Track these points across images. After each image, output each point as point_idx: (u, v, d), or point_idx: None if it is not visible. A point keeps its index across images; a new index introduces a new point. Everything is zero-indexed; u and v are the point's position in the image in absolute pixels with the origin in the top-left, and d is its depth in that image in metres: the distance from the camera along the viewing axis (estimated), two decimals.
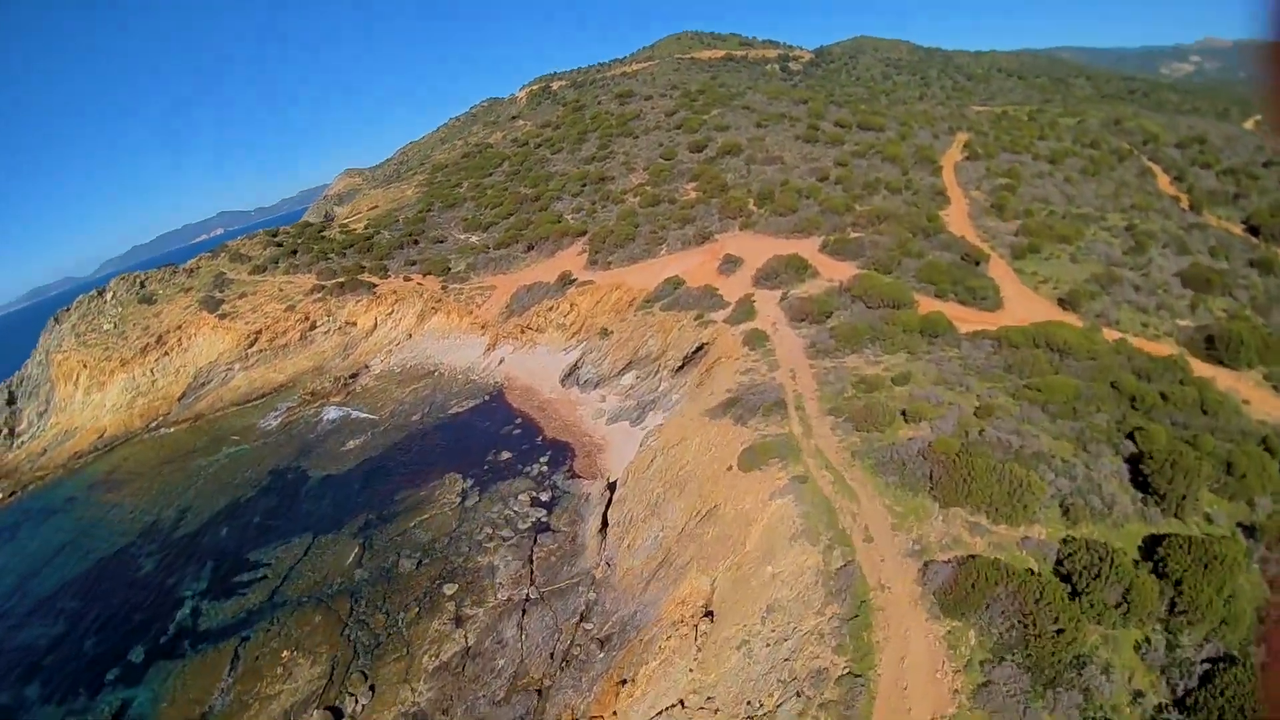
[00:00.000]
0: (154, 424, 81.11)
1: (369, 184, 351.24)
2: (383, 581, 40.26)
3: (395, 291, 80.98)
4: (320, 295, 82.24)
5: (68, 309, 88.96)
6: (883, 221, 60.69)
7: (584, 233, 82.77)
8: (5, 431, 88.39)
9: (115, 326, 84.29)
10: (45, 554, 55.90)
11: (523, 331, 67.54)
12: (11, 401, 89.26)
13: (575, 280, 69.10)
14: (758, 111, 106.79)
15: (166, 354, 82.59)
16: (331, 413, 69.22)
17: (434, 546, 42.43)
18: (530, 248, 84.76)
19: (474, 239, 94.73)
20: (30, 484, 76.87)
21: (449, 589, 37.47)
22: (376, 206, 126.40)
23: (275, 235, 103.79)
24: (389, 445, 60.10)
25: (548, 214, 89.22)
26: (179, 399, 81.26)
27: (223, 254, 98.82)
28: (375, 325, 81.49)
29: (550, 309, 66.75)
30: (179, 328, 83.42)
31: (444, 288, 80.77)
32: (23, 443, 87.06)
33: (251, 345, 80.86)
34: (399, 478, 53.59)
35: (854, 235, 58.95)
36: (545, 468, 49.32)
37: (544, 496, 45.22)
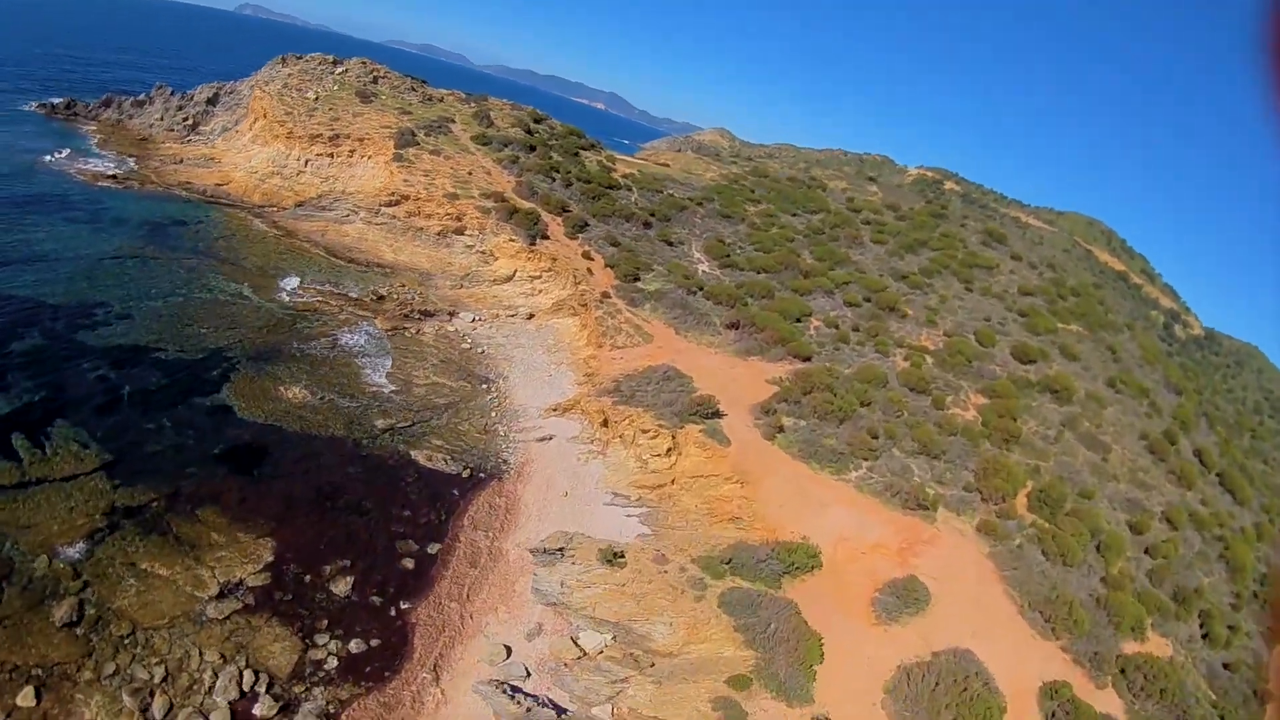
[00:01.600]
0: (264, 208, 69.05)
1: (730, 155, 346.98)
2: None
3: (555, 260, 60.82)
4: (493, 204, 64.43)
5: (299, 57, 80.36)
6: None
7: (807, 358, 56.69)
8: (190, 123, 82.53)
9: (315, 100, 73.53)
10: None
11: (604, 425, 44.13)
12: (212, 102, 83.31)
13: (721, 413, 44.08)
14: (1118, 364, 71.07)
15: (329, 156, 70.23)
16: (352, 337, 51.26)
17: None
18: (736, 326, 60.27)
19: (701, 266, 72.00)
20: (145, 183, 69.39)
21: None
22: (667, 165, 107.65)
23: (539, 122, 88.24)
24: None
25: (792, 304, 63.75)
26: (298, 204, 68.44)
27: (478, 105, 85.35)
28: (512, 277, 62.30)
29: (659, 439, 42.47)
30: (360, 141, 70.55)
31: (606, 295, 59.20)
32: (189, 141, 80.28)
33: (391, 204, 65.46)
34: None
35: None
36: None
37: None
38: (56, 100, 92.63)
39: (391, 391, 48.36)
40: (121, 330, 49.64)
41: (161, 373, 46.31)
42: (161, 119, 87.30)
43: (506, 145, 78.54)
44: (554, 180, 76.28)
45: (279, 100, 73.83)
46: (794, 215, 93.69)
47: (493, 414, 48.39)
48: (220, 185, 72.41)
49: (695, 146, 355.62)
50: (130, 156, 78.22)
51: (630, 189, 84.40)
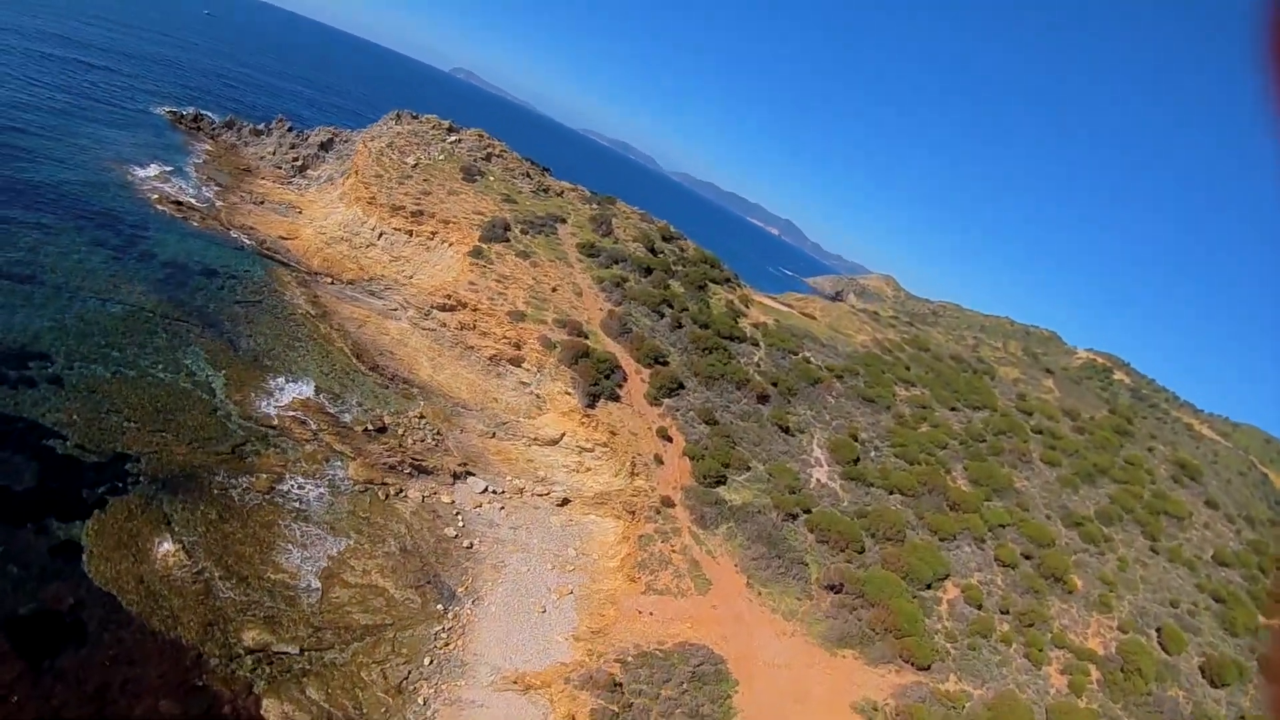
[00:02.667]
0: (317, 276, 58.17)
1: (893, 305, 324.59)
2: None
3: (614, 435, 44.74)
4: (564, 337, 49.88)
5: (414, 116, 71.34)
6: None
7: (926, 666, 37.06)
8: (299, 164, 75.18)
9: (414, 166, 63.20)
10: None
11: None
12: (326, 147, 76.03)
13: None
14: None
15: (408, 234, 58.88)
16: (302, 487, 36.80)
17: None
18: (836, 589, 41.75)
19: (817, 473, 54.21)
20: (208, 219, 60.89)
21: None
22: (813, 317, 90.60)
23: (668, 240, 74.11)
24: None
25: (927, 556, 44.24)
26: (353, 280, 56.88)
27: (600, 208, 72.62)
28: (559, 440, 46.58)
29: None
30: (445, 224, 58.88)
31: (670, 501, 42.28)
32: (289, 183, 72.47)
33: (445, 309, 52.31)
34: None
35: None
36: None
37: None
38: (187, 110, 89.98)
39: (305, 588, 32.79)
40: (36, 397, 38.16)
41: (37, 470, 34.38)
42: (273, 153, 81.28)
43: (617, 262, 64.54)
44: (661, 318, 60.99)
45: (376, 160, 64.17)
46: (953, 409, 73.43)
47: (425, 661, 31.65)
48: (284, 239, 62.71)
49: (859, 290, 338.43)
50: (218, 185, 71.18)
51: (757, 344, 67.71)
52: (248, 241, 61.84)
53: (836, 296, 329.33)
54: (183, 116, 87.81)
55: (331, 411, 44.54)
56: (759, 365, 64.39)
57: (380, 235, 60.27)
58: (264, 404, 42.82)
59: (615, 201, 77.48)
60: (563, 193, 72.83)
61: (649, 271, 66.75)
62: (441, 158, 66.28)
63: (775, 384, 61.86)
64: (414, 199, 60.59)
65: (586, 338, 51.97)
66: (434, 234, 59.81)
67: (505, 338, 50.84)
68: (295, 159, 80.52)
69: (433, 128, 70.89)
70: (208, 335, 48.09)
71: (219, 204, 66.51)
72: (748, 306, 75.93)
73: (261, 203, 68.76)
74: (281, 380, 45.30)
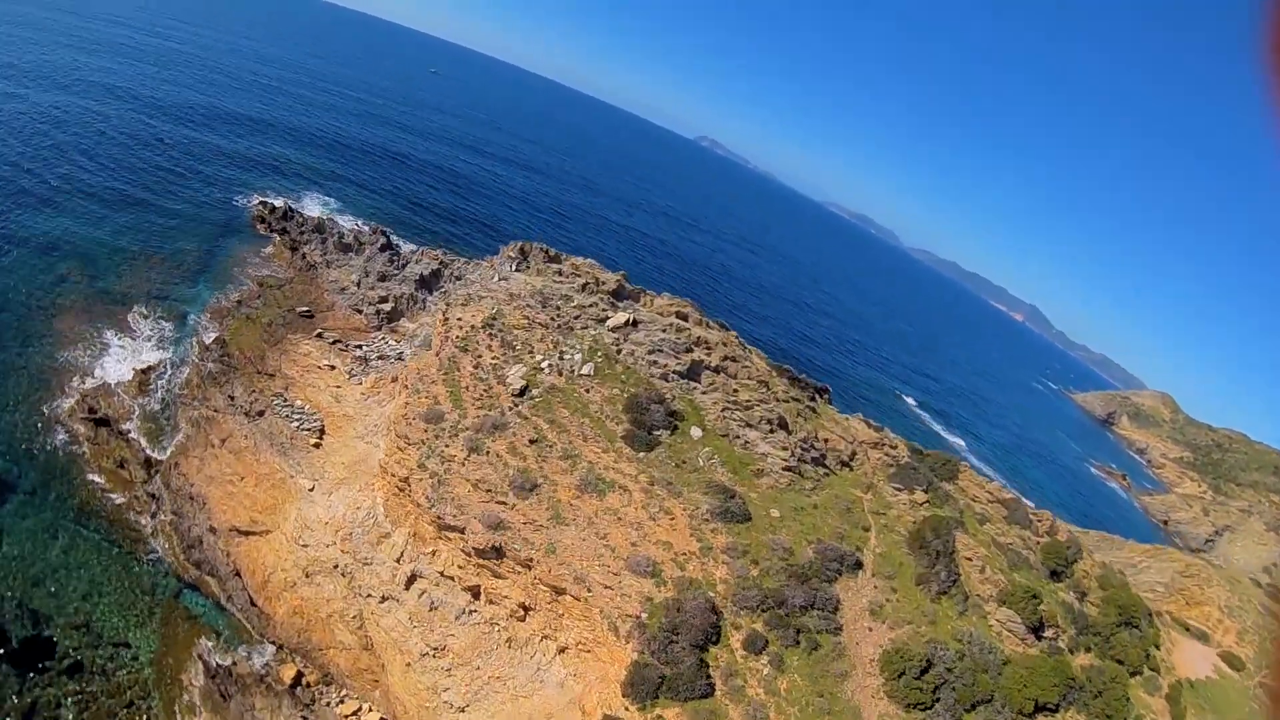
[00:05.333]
0: (265, 655, 22.28)
1: (1169, 427, 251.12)
2: None
3: None
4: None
5: (554, 255, 36.30)
6: None
7: None
8: (388, 309, 43.92)
9: (524, 392, 27.23)
10: None
11: None
12: (427, 285, 43.50)
13: None
14: None
15: (469, 595, 22.32)
16: None
17: None
18: None
19: None
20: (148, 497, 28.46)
21: None
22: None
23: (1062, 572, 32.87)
24: None
25: None
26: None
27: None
28: None
29: None
30: (558, 599, 21.75)
31: None
32: (362, 350, 40.09)
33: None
34: None
35: None
36: None
37: None
38: (278, 202, 62.93)
39: None
40: None
41: None
42: (358, 284, 50.39)
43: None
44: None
45: (444, 371, 29.33)
46: None
47: None
48: (244, 534, 29.22)
49: (1133, 412, 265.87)
50: (221, 364, 40.37)
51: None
52: (165, 549, 29.15)
53: (1108, 419, 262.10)
54: (273, 210, 60.74)
55: None
56: None
57: (410, 582, 25.36)
58: None
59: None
60: (871, 485, 33.77)
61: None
62: (586, 370, 30.08)
63: None
64: (497, 505, 25.15)
65: None
66: (525, 612, 23.84)
67: None
68: (383, 298, 49.25)
69: (584, 286, 35.27)
70: None
71: (182, 429, 35.60)
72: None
73: (287, 402, 37.15)
74: None
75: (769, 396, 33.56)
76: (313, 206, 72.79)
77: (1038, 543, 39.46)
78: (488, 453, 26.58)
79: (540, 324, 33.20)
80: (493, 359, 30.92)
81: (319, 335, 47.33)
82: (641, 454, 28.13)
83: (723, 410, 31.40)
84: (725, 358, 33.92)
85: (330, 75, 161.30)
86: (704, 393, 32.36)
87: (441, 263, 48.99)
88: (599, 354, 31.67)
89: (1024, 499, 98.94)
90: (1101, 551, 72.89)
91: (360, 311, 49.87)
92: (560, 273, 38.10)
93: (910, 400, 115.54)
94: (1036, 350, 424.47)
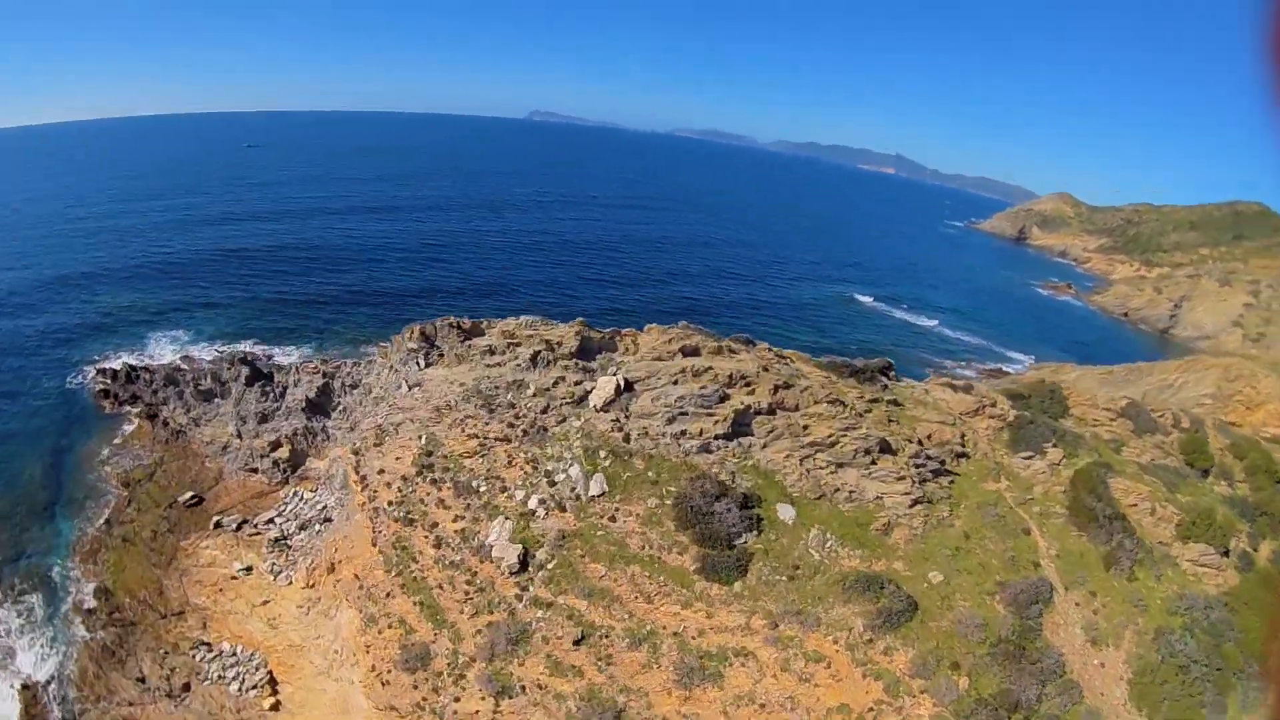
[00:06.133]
0: None
1: (1080, 222, 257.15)
2: None
3: None
4: None
5: (467, 326, 25.94)
6: None
7: None
8: (286, 462, 31.84)
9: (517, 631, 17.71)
10: None
11: None
12: (318, 408, 32.14)
13: None
14: None
15: None
16: None
17: None
18: None
19: None
20: None
21: None
22: None
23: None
24: None
25: None
26: None
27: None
28: None
29: None
30: None
31: None
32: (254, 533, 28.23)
33: None
34: None
35: None
36: None
37: None
38: (117, 365, 50.43)
39: None
40: None
41: None
42: (238, 435, 39.40)
43: None
44: None
45: (393, 552, 19.64)
46: None
47: None
48: None
49: (1040, 221, 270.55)
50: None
51: None
52: None
53: (1021, 235, 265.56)
54: (114, 376, 47.80)
55: None
56: None
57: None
58: None
59: None
60: None
61: None
62: (595, 488, 20.64)
63: None
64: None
65: None
66: None
67: None
68: (274, 443, 38.22)
69: (534, 357, 25.45)
70: None
71: None
72: None
73: (188, 688, 26.41)
74: None
75: (850, 416, 24.89)
76: (161, 351, 60.37)
77: (1171, 444, 33.02)
78: (524, 689, 17.19)
79: (498, 439, 23.55)
80: (455, 521, 21.30)
81: (217, 525, 36.46)
82: (736, 584, 19.19)
83: (802, 462, 22.67)
84: (775, 388, 24.92)
85: (133, 191, 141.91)
86: (766, 447, 23.52)
87: (325, 374, 38.31)
88: (602, 454, 22.30)
89: (1012, 354, 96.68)
90: (1135, 385, 68.50)
91: (256, 470, 38.83)
92: (491, 350, 28.19)
93: (865, 299, 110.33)
94: (923, 196, 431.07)
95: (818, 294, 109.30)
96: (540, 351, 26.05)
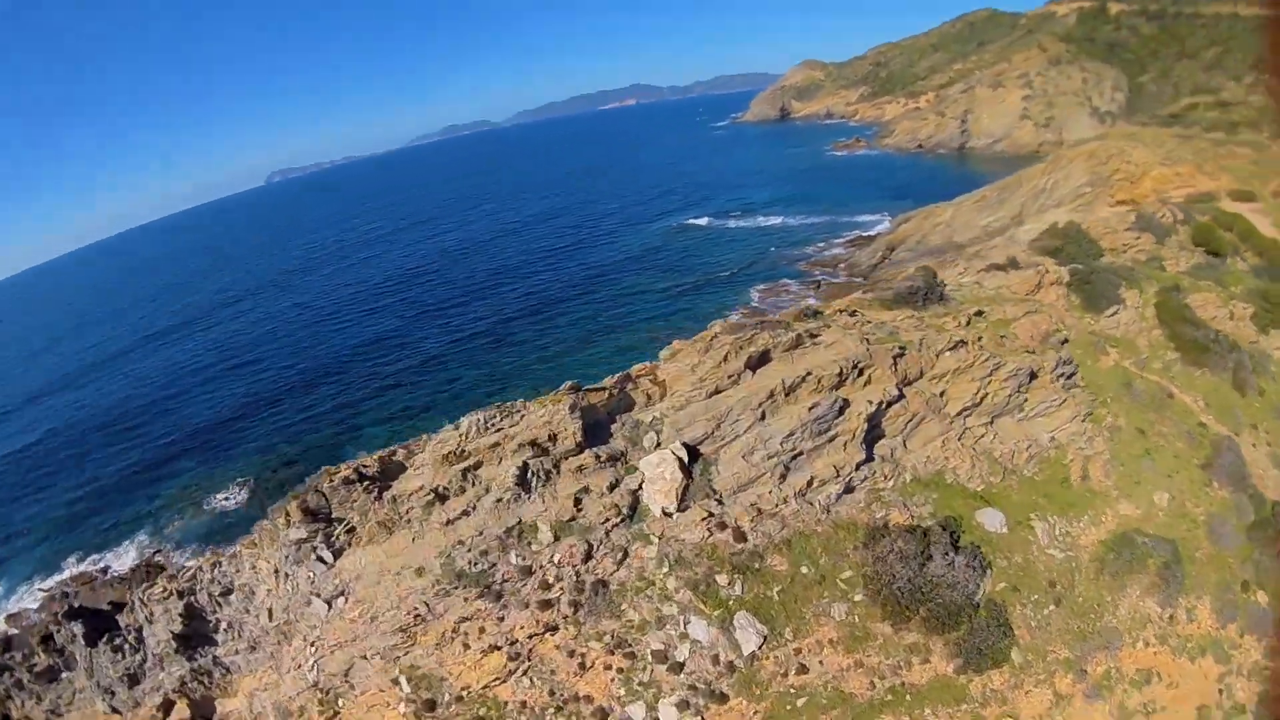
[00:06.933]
0: None
1: (833, 81, 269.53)
2: None
3: None
4: None
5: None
6: None
7: None
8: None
9: None
10: None
11: None
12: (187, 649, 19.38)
13: None
14: None
15: None
16: None
17: None
18: None
19: None
20: None
21: None
22: None
23: None
24: None
25: None
26: None
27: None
28: None
29: None
30: None
31: None
32: None
33: None
34: None
35: None
36: None
37: None
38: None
39: None
40: None
41: None
42: (115, 713, 26.36)
43: None
44: None
45: None
46: None
47: None
48: None
49: (796, 94, 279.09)
50: None
51: None
52: None
53: (784, 113, 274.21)
54: None
55: None
56: None
57: None
58: None
59: None
60: None
61: None
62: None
63: None
64: None
65: None
66: None
67: None
68: (164, 708, 25.91)
69: (522, 475, 16.22)
70: None
71: None
72: None
73: None
74: None
75: (973, 351, 17.47)
76: None
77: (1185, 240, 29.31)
78: None
79: (535, 634, 13.91)
80: None
81: None
82: (1012, 653, 11.37)
83: (960, 440, 15.37)
84: (893, 359, 16.83)
85: None
86: (910, 445, 15.85)
87: (180, 592, 25.79)
88: (720, 579, 14.37)
89: (861, 218, 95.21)
90: (1012, 200, 67.11)
91: None
92: (439, 495, 17.84)
93: (700, 221, 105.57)
94: (679, 115, 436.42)
95: (649, 236, 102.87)
96: (529, 461, 16.29)
